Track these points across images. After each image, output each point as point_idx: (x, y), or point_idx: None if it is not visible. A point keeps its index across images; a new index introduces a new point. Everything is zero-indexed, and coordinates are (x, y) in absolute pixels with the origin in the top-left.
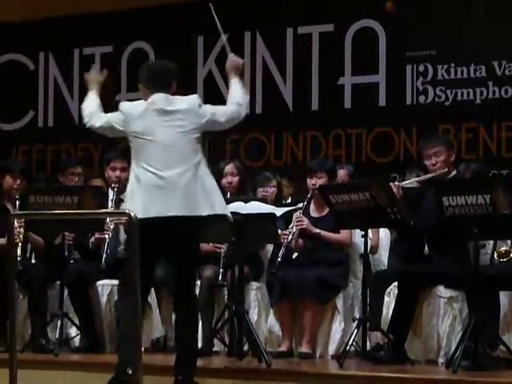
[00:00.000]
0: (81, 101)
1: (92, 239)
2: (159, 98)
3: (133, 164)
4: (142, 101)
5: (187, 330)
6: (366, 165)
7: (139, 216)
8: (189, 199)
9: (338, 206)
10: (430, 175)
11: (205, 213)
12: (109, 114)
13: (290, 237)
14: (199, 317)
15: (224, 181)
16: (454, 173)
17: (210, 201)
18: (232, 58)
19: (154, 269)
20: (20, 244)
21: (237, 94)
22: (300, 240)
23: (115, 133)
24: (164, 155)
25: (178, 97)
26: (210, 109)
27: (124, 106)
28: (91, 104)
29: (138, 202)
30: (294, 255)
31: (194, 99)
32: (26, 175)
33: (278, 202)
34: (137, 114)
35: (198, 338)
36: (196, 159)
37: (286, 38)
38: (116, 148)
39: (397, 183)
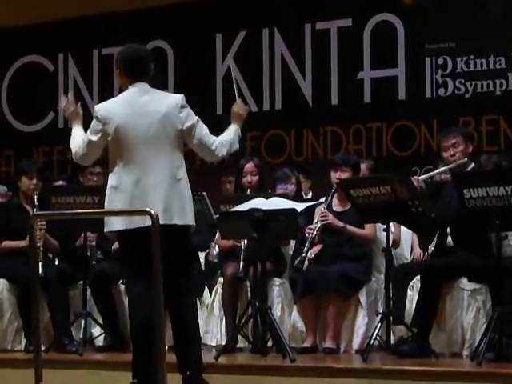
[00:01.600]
0: (100, 101)
1: (114, 246)
2: (141, 88)
3: (110, 174)
4: (119, 96)
5: (185, 326)
6: (386, 159)
7: (121, 227)
8: (166, 208)
9: (359, 199)
10: (448, 166)
11: (179, 222)
12: (85, 135)
13: (315, 232)
14: (198, 310)
15: (244, 180)
16: (472, 165)
17: (183, 210)
18: (237, 107)
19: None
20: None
21: (228, 137)
22: (315, 248)
23: (102, 146)
24: (144, 154)
25: (161, 92)
26: (193, 118)
27: (98, 108)
28: (75, 139)
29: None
30: (313, 251)
31: (177, 98)
32: (42, 174)
33: (297, 198)
34: (114, 111)
35: (199, 334)
36: (177, 163)
37: (304, 34)
38: None
39: (416, 177)
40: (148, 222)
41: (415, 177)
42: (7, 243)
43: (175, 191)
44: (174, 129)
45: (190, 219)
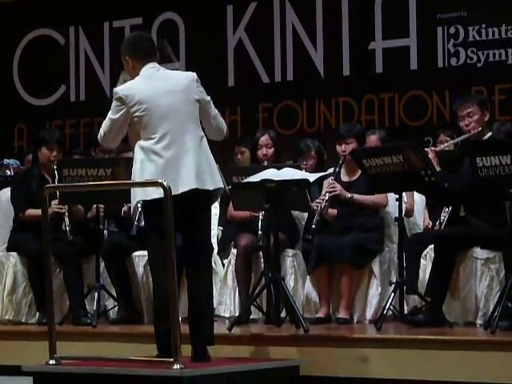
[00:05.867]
0: (112, 74)
1: (125, 208)
2: (155, 66)
3: (136, 147)
4: (136, 78)
5: (198, 298)
6: (399, 129)
7: (156, 196)
8: (199, 172)
9: (371, 169)
10: (464, 136)
11: (211, 187)
12: (108, 123)
13: (324, 203)
14: (213, 286)
15: (259, 152)
16: (489, 134)
17: (212, 175)
18: None
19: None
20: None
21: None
22: (332, 210)
23: (124, 124)
24: (171, 124)
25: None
26: (207, 96)
27: (118, 90)
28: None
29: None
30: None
31: (192, 73)
32: (62, 145)
33: (319, 169)
34: (137, 87)
35: (212, 306)
36: (200, 132)
37: (315, 4)
38: None
39: (433, 148)
40: (181, 189)
41: (432, 148)
42: (31, 211)
43: (203, 158)
44: (194, 100)
45: (220, 182)
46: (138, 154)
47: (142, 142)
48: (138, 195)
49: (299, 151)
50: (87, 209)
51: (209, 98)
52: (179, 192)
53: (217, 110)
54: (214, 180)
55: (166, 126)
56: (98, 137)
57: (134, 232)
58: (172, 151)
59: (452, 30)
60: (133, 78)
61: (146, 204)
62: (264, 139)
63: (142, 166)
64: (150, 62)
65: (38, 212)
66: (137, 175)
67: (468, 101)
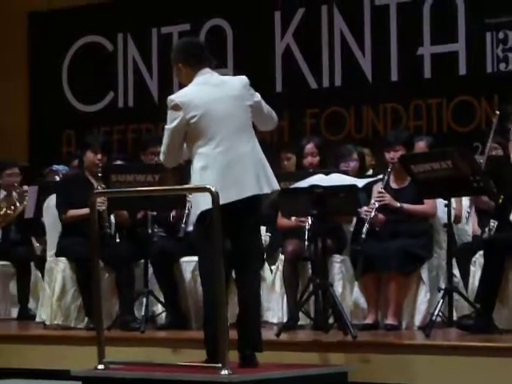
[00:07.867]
0: (160, 80)
1: (173, 213)
2: (209, 72)
3: (196, 155)
4: (190, 85)
5: (247, 304)
6: (447, 135)
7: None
8: (257, 176)
9: (420, 175)
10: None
11: (268, 191)
12: (167, 135)
13: (373, 213)
14: (260, 292)
15: (305, 161)
16: None
17: (268, 178)
18: None
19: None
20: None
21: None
22: (381, 215)
23: (183, 133)
24: (226, 130)
25: (224, 75)
26: (257, 94)
27: (173, 97)
28: None
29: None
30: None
31: (244, 78)
32: (106, 149)
33: (361, 174)
34: (192, 94)
35: (259, 312)
36: (254, 137)
37: (363, 10)
38: None
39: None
40: (243, 194)
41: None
42: (72, 212)
43: (259, 162)
44: (247, 106)
45: (276, 183)
46: (198, 162)
47: (200, 149)
48: (202, 205)
49: (340, 155)
50: (135, 215)
51: (259, 97)
52: (240, 198)
53: (266, 105)
54: (269, 183)
55: (223, 131)
56: (160, 157)
57: (182, 234)
58: (230, 157)
59: (501, 35)
60: (185, 86)
61: (203, 211)
62: (309, 147)
63: (202, 174)
64: (203, 68)
65: (79, 212)
66: (197, 183)
67: None
